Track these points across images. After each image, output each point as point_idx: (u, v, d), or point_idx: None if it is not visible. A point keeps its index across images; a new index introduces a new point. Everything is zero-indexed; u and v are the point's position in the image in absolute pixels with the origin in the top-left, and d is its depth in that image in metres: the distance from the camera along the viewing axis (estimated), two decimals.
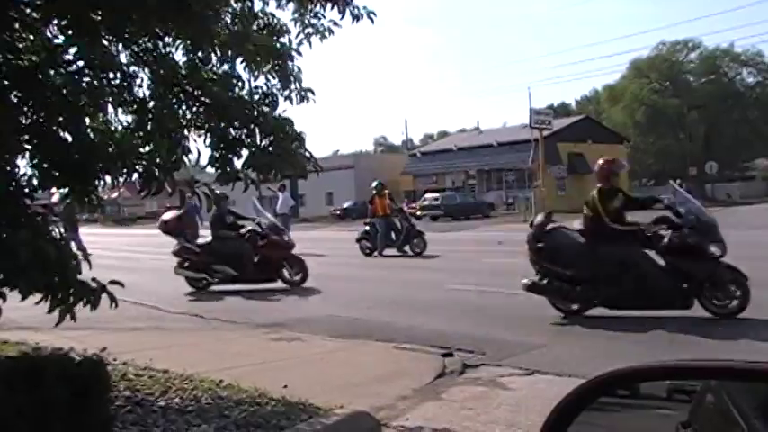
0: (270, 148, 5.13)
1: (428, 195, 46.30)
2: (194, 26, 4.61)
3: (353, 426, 4.80)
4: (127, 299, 9.17)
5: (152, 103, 4.94)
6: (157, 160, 4.60)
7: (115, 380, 5.20)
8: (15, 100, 4.31)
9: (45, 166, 4.36)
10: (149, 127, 4.80)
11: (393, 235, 19.44)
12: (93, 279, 4.08)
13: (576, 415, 1.36)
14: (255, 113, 5.10)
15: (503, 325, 8.61)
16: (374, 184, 20.69)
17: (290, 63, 5.28)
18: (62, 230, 4.34)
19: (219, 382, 5.64)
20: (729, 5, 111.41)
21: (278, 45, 5.31)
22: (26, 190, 4.29)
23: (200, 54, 5.04)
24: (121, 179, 4.60)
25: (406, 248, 19.23)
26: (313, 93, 5.36)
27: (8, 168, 4.28)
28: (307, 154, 5.32)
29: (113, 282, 4.13)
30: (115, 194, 44.29)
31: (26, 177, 4.35)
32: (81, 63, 4.43)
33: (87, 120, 4.54)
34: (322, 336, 8.39)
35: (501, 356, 6.98)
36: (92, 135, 4.51)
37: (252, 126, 5.10)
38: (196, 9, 4.50)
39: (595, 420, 1.40)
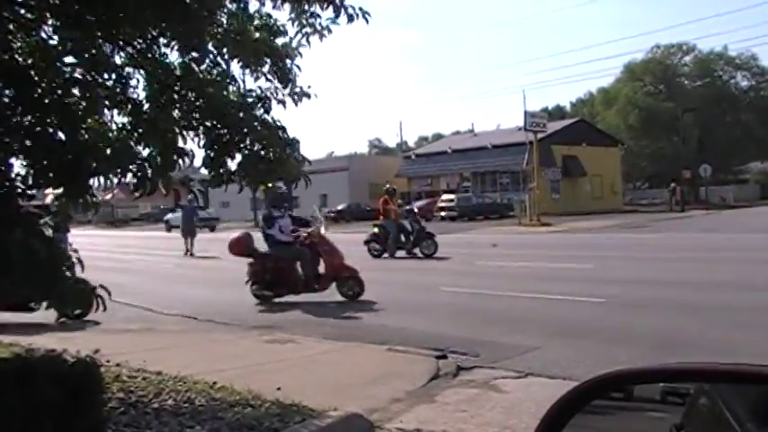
0: (262, 153, 5.13)
1: (444, 197, 46.30)
2: (189, 23, 4.59)
3: (347, 428, 4.79)
4: (120, 300, 9.21)
5: (147, 105, 4.93)
6: (151, 161, 4.59)
7: (108, 381, 5.18)
8: (8, 99, 4.30)
9: (39, 165, 4.35)
10: (144, 128, 4.79)
11: (402, 237, 19.33)
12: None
13: (569, 418, 1.36)
14: (248, 116, 5.10)
15: (497, 327, 8.61)
16: (386, 187, 20.90)
17: (288, 62, 5.27)
18: (51, 231, 4.35)
19: (213, 384, 5.64)
20: (724, 9, 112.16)
21: (276, 45, 5.31)
22: (20, 190, 4.28)
23: (194, 54, 5.03)
24: (115, 180, 4.60)
25: (416, 250, 19.05)
26: (309, 96, 5.35)
27: (2, 168, 4.27)
28: (300, 158, 5.34)
29: (102, 287, 4.16)
30: (109, 196, 44.10)
31: (20, 177, 4.34)
32: (74, 61, 4.42)
33: (82, 120, 4.53)
34: (315, 338, 8.38)
35: (495, 359, 6.98)
36: (86, 135, 4.50)
37: (245, 130, 5.11)
38: (192, 6, 4.49)
39: (589, 423, 1.39)
